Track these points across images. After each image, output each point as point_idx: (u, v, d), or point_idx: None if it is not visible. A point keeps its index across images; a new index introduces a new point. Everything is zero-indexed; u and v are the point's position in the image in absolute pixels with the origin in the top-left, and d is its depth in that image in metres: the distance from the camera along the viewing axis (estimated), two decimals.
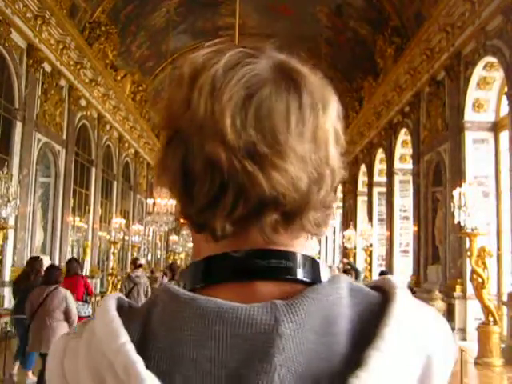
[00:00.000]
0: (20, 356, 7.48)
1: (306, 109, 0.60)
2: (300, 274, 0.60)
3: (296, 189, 0.58)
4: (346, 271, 9.63)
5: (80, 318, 7.11)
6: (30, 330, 6.46)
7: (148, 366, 0.53)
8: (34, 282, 7.62)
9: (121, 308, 0.61)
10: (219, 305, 0.55)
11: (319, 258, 28.92)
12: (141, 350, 0.54)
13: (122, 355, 0.53)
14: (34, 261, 8.71)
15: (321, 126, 0.62)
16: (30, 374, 7.36)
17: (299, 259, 0.61)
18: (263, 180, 0.56)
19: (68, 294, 6.49)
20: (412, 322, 0.58)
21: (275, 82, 0.60)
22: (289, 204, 0.58)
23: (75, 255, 16.66)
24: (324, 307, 0.56)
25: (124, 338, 0.55)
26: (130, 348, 0.54)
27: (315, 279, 0.61)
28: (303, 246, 0.64)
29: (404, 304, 0.59)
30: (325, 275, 0.62)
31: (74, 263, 9.33)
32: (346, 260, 13.90)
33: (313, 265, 0.62)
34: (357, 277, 9.85)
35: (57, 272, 6.82)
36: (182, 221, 0.65)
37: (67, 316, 6.34)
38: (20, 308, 7.33)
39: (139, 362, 0.53)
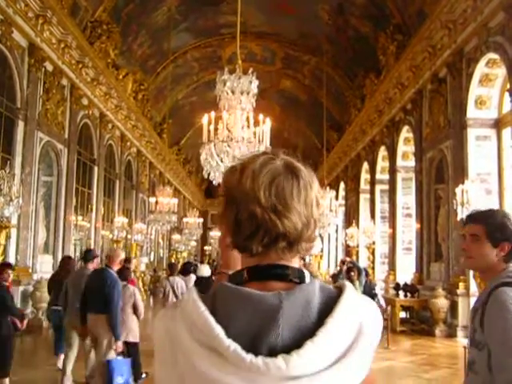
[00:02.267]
0: (61, 347, 8.20)
1: (301, 188, 1.08)
2: (294, 278, 1.08)
3: (295, 229, 1.06)
4: (349, 269, 9.63)
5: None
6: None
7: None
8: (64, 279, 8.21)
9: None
10: (250, 292, 1.02)
11: (322, 255, 28.97)
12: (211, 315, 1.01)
13: (202, 316, 1.00)
14: (67, 260, 9.72)
15: (309, 196, 1.09)
16: (61, 357, 8.08)
17: (294, 269, 1.09)
18: (279, 224, 1.04)
19: (136, 290, 7.27)
20: (352, 304, 1.04)
21: (285, 173, 1.08)
22: (291, 237, 1.06)
23: (78, 254, 16.71)
24: (305, 295, 1.03)
25: (203, 307, 1.01)
26: (207, 313, 1.00)
27: (302, 281, 1.08)
28: (296, 262, 1.11)
29: (349, 295, 1.05)
30: (307, 279, 1.09)
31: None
32: (348, 259, 14.02)
33: (301, 273, 1.09)
34: (359, 274, 9.87)
35: (126, 271, 7.73)
36: (226, 244, 1.14)
37: (135, 309, 7.12)
38: (55, 301, 8.33)
39: (212, 320, 0.99)
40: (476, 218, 2.30)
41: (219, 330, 0.97)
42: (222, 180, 1.15)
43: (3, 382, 6.69)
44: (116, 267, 6.67)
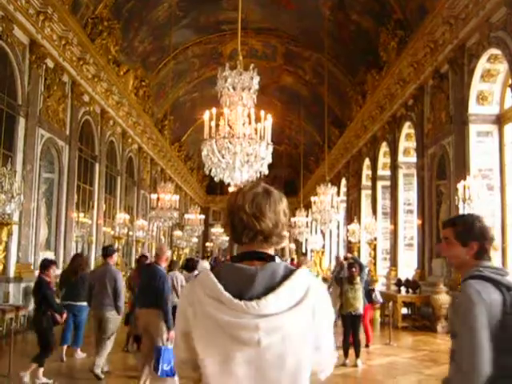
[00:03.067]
0: (67, 339, 9.11)
1: (271, 202, 1.75)
2: (268, 259, 1.74)
3: (268, 228, 1.74)
4: (350, 265, 9.69)
5: None
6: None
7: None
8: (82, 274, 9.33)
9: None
10: (240, 266, 1.71)
11: (323, 251, 29.03)
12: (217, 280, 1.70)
13: (211, 279, 1.68)
14: (78, 257, 10.29)
15: (277, 208, 1.76)
16: (78, 350, 9.17)
17: (268, 255, 1.76)
18: (257, 224, 1.73)
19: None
20: (302, 275, 1.69)
21: (262, 194, 1.77)
22: (265, 233, 1.75)
23: (79, 251, 16.73)
24: (272, 268, 1.70)
25: (212, 275, 1.70)
26: (214, 277, 1.68)
27: (272, 261, 1.74)
28: (272, 250, 1.79)
29: (301, 271, 1.71)
30: (277, 260, 1.74)
31: (143, 259, 10.83)
32: (349, 255, 14.20)
33: (272, 257, 1.75)
34: (361, 270, 9.93)
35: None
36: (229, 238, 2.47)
37: None
38: (68, 296, 9.14)
39: (216, 281, 1.68)
40: (446, 222, 2.62)
41: (220, 287, 1.67)
42: (227, 200, 1.85)
43: (39, 370, 7.24)
44: (163, 264, 7.06)
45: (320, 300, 1.72)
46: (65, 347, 8.99)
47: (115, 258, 8.63)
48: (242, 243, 1.77)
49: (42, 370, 7.23)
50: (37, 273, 12.74)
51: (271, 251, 1.78)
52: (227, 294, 1.65)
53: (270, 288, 1.66)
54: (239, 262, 1.74)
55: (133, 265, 20.11)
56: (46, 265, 7.64)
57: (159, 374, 6.13)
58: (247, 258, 1.75)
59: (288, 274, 1.69)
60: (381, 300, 11.76)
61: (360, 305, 9.17)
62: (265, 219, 1.73)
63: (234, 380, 1.66)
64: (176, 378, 6.03)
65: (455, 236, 2.51)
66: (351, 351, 9.00)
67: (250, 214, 1.73)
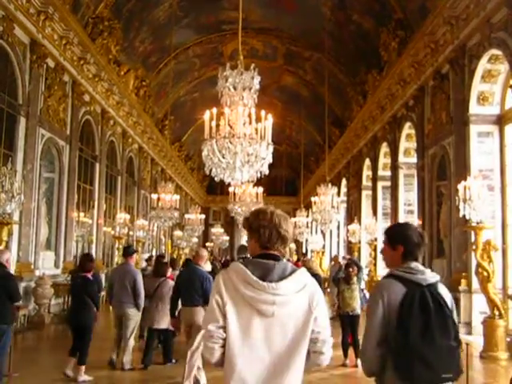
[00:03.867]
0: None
1: (287, 222, 2.64)
2: (278, 259, 2.56)
3: (287, 238, 2.63)
4: (347, 265, 9.77)
5: None
6: (144, 310, 8.63)
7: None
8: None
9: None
10: (263, 261, 2.52)
11: (324, 251, 29.04)
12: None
13: (242, 268, 2.46)
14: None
15: (289, 225, 2.64)
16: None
17: (280, 256, 2.58)
18: (279, 234, 2.60)
19: (173, 284, 8.16)
20: (303, 273, 2.52)
21: (280, 216, 2.64)
22: (283, 240, 2.62)
23: (79, 251, 16.73)
24: (285, 264, 2.52)
25: (242, 265, 2.49)
26: (245, 268, 2.46)
27: (282, 261, 2.56)
28: (286, 252, 2.66)
29: (303, 269, 2.54)
30: (284, 260, 2.58)
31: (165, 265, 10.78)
32: (348, 256, 14.37)
33: (282, 258, 2.57)
34: (358, 271, 9.99)
35: (164, 267, 9.21)
36: (253, 245, 2.68)
37: None
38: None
39: (246, 269, 2.45)
40: (384, 230, 3.19)
41: (249, 273, 2.41)
42: (255, 216, 2.64)
43: (80, 368, 7.35)
44: (203, 264, 7.59)
45: (315, 290, 2.51)
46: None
47: (135, 257, 9.20)
48: (264, 246, 2.57)
49: (83, 367, 7.38)
50: (37, 272, 12.85)
51: (285, 253, 2.65)
52: (254, 278, 2.40)
53: (283, 277, 2.44)
54: (262, 258, 2.53)
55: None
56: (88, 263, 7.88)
57: None
58: (265, 258, 2.52)
59: (294, 270, 2.50)
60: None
61: (357, 305, 9.13)
62: (288, 233, 2.60)
63: (251, 341, 2.38)
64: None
65: (387, 241, 3.05)
66: (350, 352, 8.99)
67: (284, 229, 2.58)
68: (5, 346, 6.61)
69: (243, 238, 39.30)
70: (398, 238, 2.99)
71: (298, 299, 2.41)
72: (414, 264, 2.89)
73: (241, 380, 2.34)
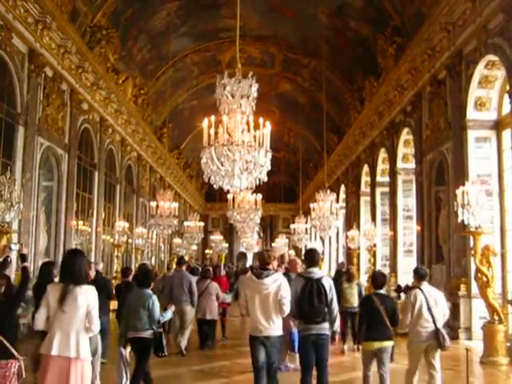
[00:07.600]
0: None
1: (272, 253, 6.41)
2: (268, 269, 6.07)
3: (271, 260, 6.29)
4: (348, 269, 11.36)
5: (222, 303, 12.20)
6: (197, 305, 10.85)
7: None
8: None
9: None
10: (261, 271, 6.04)
11: (323, 258, 29.01)
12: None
13: (250, 274, 6.19)
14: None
15: (273, 254, 6.45)
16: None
17: (268, 268, 6.11)
18: (271, 261, 6.23)
19: (217, 285, 11.47)
20: (276, 274, 6.01)
21: (268, 251, 6.52)
22: (271, 261, 6.24)
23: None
24: (275, 276, 5.96)
25: (250, 273, 6.30)
26: (251, 274, 6.13)
27: (269, 270, 6.11)
28: (275, 265, 6.32)
29: (278, 273, 6.23)
30: (279, 272, 6.70)
31: (218, 270, 14.48)
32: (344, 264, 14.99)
33: (269, 268, 6.06)
34: (349, 279, 11.30)
35: (208, 272, 11.79)
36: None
37: (217, 297, 11.24)
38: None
39: (253, 275, 6.05)
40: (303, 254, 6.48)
41: (253, 276, 5.97)
42: (259, 254, 6.44)
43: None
44: (294, 272, 8.43)
45: (281, 281, 5.84)
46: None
47: (185, 265, 12.04)
48: (262, 264, 6.00)
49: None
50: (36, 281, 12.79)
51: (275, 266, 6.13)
52: (254, 278, 5.87)
53: (267, 276, 5.81)
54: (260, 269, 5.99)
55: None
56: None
57: (296, 350, 8.21)
58: (261, 268, 5.92)
59: (273, 273, 5.86)
60: None
61: (355, 301, 10.69)
62: (273, 260, 6.05)
63: (256, 304, 5.80)
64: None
65: (301, 258, 5.91)
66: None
67: (271, 259, 6.01)
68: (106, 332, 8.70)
69: (242, 245, 39.36)
70: (305, 256, 6.49)
71: (273, 285, 5.77)
72: (311, 269, 6.22)
73: (254, 317, 5.82)
